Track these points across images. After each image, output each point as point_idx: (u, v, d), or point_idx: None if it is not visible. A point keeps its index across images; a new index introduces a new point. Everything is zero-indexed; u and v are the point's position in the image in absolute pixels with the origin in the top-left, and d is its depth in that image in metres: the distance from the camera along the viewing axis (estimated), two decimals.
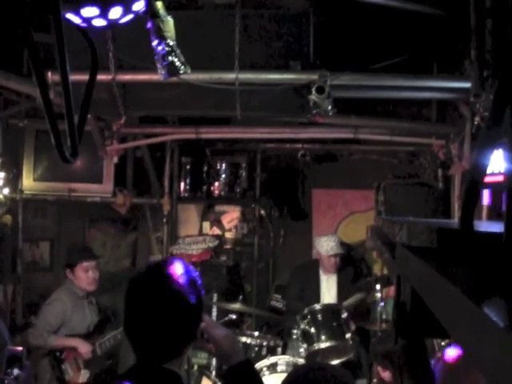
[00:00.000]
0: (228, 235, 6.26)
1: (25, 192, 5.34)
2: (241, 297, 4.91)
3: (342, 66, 3.63)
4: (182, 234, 6.23)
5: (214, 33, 3.75)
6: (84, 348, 4.26)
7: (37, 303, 4.83)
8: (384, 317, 4.57)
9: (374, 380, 4.11)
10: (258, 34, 3.74)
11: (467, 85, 3.29)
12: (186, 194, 6.26)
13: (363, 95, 3.85)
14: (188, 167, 6.21)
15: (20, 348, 2.91)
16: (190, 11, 3.75)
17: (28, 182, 5.35)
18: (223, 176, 6.25)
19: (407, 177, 5.53)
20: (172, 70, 2.78)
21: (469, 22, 3.16)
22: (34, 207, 5.69)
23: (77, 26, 1.80)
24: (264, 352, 4.52)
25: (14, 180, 5.23)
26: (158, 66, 2.77)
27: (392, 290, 4.67)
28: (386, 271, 5.02)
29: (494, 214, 3.18)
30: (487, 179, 2.77)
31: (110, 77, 3.71)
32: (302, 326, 4.47)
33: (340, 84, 3.59)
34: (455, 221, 1.97)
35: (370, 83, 3.68)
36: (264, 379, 3.98)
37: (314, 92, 3.46)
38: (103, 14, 1.78)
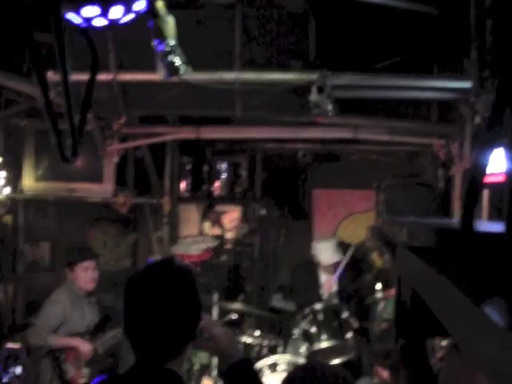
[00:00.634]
0: (228, 235, 6.26)
1: (25, 192, 5.34)
2: (241, 297, 4.90)
3: (342, 66, 3.63)
4: (182, 233, 6.23)
5: (215, 32, 3.75)
6: (84, 347, 4.26)
7: (37, 303, 4.83)
8: (384, 317, 4.56)
9: (374, 380, 4.11)
10: (258, 34, 3.74)
11: (467, 85, 3.29)
12: (187, 194, 6.26)
13: (363, 95, 3.85)
14: (188, 167, 6.21)
15: (18, 345, 2.90)
16: (191, 11, 3.75)
17: (28, 182, 5.35)
18: (223, 176, 6.26)
19: (407, 177, 5.53)
20: (172, 69, 2.78)
21: (469, 21, 3.16)
22: (34, 207, 5.69)
23: (77, 25, 1.80)
24: (264, 352, 4.53)
25: (14, 180, 5.23)
26: (159, 65, 2.78)
27: (392, 290, 4.67)
28: (386, 271, 5.02)
29: (495, 214, 3.18)
30: (487, 179, 2.77)
31: (110, 77, 3.72)
32: (303, 326, 4.47)
33: (340, 84, 3.59)
34: (455, 221, 1.97)
35: (370, 83, 3.68)
36: (264, 379, 3.98)
37: (314, 92, 3.47)
38: (104, 13, 1.78)
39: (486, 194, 3.22)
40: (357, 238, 6.17)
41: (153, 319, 1.69)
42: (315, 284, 5.25)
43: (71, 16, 1.76)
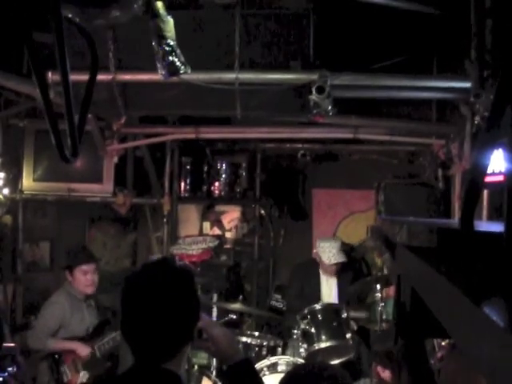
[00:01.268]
0: (228, 235, 6.26)
1: (25, 192, 5.34)
2: (241, 297, 4.90)
3: (342, 66, 3.63)
4: (182, 233, 6.23)
5: (214, 33, 3.75)
6: (83, 350, 4.25)
7: (37, 303, 4.83)
8: (384, 317, 4.56)
9: (374, 380, 4.11)
10: (258, 34, 3.74)
11: (467, 85, 3.28)
12: (186, 194, 6.26)
13: (363, 95, 3.85)
14: (188, 167, 6.21)
15: (13, 344, 2.90)
16: (190, 11, 3.75)
17: (28, 182, 5.35)
18: (223, 176, 6.25)
19: (407, 177, 5.53)
20: (172, 69, 2.78)
21: (469, 21, 3.15)
22: (33, 207, 5.68)
23: (77, 25, 1.80)
24: (264, 352, 4.52)
25: (13, 180, 5.23)
26: (159, 65, 2.78)
27: (392, 290, 4.67)
28: (386, 271, 5.02)
29: (494, 214, 3.18)
30: (487, 179, 2.77)
31: (110, 77, 3.71)
32: (302, 326, 4.47)
33: (340, 84, 3.58)
34: (455, 221, 1.97)
35: (370, 83, 3.68)
36: (264, 379, 3.98)
37: (314, 92, 3.46)
38: (103, 13, 1.78)
39: (485, 194, 3.22)
40: (356, 238, 6.18)
41: (149, 319, 1.69)
42: (315, 284, 5.25)
43: (71, 16, 1.76)
